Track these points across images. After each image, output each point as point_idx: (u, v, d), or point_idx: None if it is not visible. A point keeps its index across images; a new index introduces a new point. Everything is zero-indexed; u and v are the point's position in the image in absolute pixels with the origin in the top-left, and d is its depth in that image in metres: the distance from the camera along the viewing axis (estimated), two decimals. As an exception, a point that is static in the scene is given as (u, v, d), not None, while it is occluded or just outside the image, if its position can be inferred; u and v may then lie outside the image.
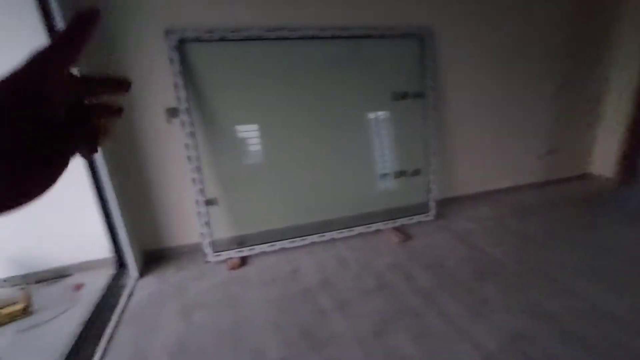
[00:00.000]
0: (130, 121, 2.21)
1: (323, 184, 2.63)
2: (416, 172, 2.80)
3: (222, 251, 2.41)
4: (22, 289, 2.03)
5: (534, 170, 3.41)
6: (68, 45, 0.24)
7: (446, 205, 3.09)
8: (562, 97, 3.22)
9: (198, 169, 2.27)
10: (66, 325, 1.83)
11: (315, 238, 2.56)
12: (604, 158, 3.51)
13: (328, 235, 2.59)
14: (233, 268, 2.32)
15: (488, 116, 3.06)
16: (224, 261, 2.39)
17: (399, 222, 2.75)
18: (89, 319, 1.86)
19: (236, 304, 1.96)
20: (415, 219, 2.79)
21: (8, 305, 1.94)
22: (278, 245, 2.50)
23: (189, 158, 2.24)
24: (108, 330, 1.80)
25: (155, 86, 2.19)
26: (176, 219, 2.46)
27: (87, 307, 1.96)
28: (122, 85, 0.30)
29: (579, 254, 2.22)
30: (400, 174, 2.80)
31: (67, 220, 2.25)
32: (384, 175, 2.78)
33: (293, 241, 2.52)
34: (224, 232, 2.48)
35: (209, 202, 2.38)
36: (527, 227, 2.65)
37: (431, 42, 2.61)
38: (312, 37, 2.36)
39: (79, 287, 2.19)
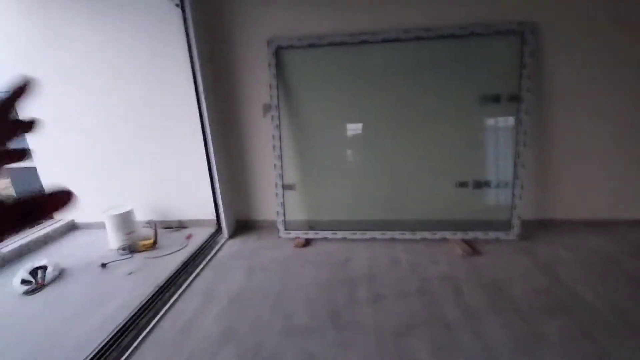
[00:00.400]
0: (237, 112, 2.76)
1: (397, 185, 2.68)
2: (502, 185, 2.54)
3: (293, 230, 2.77)
4: (154, 230, 2.83)
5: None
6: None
7: (540, 227, 2.68)
8: None
9: (280, 157, 2.67)
10: (174, 260, 2.50)
11: (376, 234, 2.65)
12: None
13: (389, 234, 2.63)
14: (297, 246, 2.65)
15: (608, 130, 2.49)
16: (293, 239, 2.74)
17: (470, 235, 2.55)
18: (189, 259, 2.48)
19: (289, 275, 2.28)
20: (492, 235, 2.53)
21: (145, 240, 2.76)
22: (340, 234, 2.70)
23: (273, 147, 2.66)
24: (197, 270, 2.38)
25: (257, 86, 2.67)
26: (261, 197, 2.94)
27: (190, 251, 2.60)
28: (27, 126, 0.30)
29: None
30: (482, 184, 2.59)
31: (190, 187, 2.99)
32: (463, 184, 2.62)
33: (354, 233, 2.68)
34: (298, 214, 2.83)
35: (287, 187, 2.76)
36: None
37: (533, 39, 2.30)
38: (395, 40, 2.42)
39: (189, 236, 2.91)
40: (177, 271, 2.33)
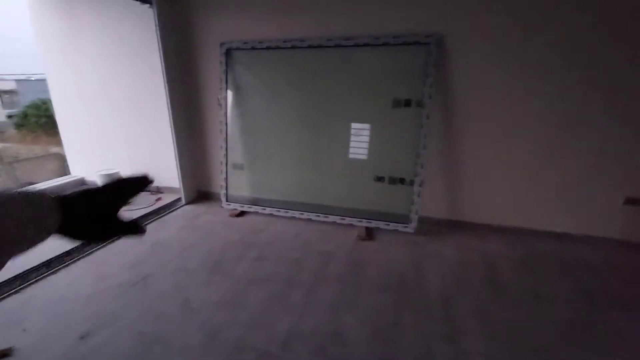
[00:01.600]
0: (198, 100, 3.34)
1: (322, 173, 3.04)
2: (407, 182, 2.77)
3: (233, 202, 3.29)
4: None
5: (605, 219, 2.58)
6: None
7: (450, 227, 2.87)
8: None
9: (225, 140, 3.19)
10: (137, 214, 3.17)
11: (296, 214, 3.06)
12: None
13: (306, 215, 3.03)
14: (232, 215, 3.17)
15: (508, 142, 2.60)
16: (232, 210, 3.26)
17: (374, 224, 2.85)
18: (145, 214, 3.14)
19: (209, 234, 2.81)
20: (392, 226, 2.80)
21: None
22: (268, 210, 3.16)
23: (220, 131, 3.19)
24: (145, 223, 3.02)
25: (214, 80, 3.21)
26: (214, 173, 3.50)
27: (151, 210, 3.26)
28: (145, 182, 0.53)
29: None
30: (397, 180, 2.84)
31: (164, 160, 3.63)
32: (380, 179, 2.90)
33: (279, 211, 3.12)
34: (244, 190, 3.34)
35: (237, 167, 3.28)
36: (524, 283, 2.18)
37: (437, 51, 2.51)
38: (319, 46, 2.78)
39: (158, 199, 3.59)
40: (141, 218, 2.99)
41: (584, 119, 2.43)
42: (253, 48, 2.97)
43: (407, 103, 2.70)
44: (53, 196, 0.44)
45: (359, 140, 2.87)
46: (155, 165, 3.72)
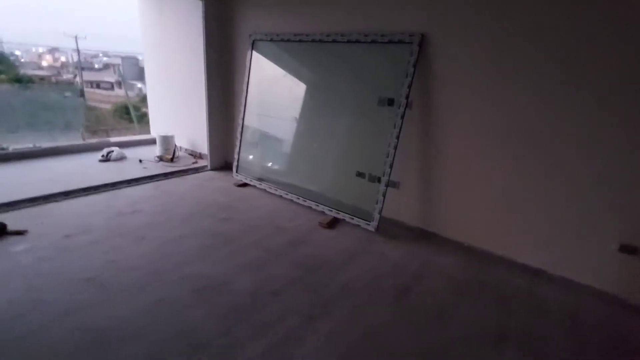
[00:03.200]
0: (231, 81, 3.90)
1: (314, 160, 3.24)
2: (390, 183, 2.76)
3: (241, 174, 3.77)
4: (174, 150, 4.34)
5: (593, 264, 2.13)
6: None
7: (419, 235, 2.76)
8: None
9: (242, 119, 3.67)
10: (172, 169, 3.94)
11: (282, 193, 3.35)
12: None
13: (290, 196, 3.29)
14: (235, 185, 3.65)
15: (505, 153, 2.34)
16: (237, 180, 3.74)
17: (341, 216, 2.93)
18: (176, 172, 3.88)
19: (208, 194, 3.34)
20: (356, 221, 2.84)
21: (168, 155, 4.33)
22: (264, 186, 3.52)
23: (239, 112, 3.68)
24: (173, 178, 3.74)
25: (244, 66, 3.71)
26: (232, 148, 4.02)
27: (184, 169, 4.00)
28: None
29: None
30: (375, 178, 2.86)
31: (202, 131, 4.35)
32: (361, 174, 2.95)
33: (270, 187, 3.46)
34: (253, 165, 3.78)
35: (253, 144, 3.74)
36: (435, 302, 2.07)
37: (417, 50, 2.43)
38: (319, 41, 2.98)
39: (194, 162, 4.33)
40: (164, 173, 3.76)
41: (581, 138, 2.05)
42: (271, 40, 3.34)
43: (390, 102, 2.68)
44: None
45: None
46: (197, 135, 4.47)
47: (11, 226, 2.34)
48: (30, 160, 3.91)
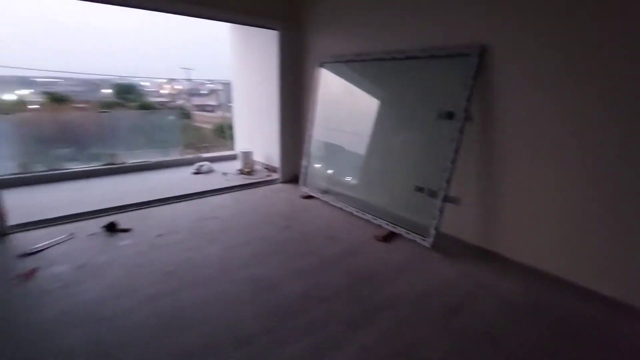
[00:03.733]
0: (300, 101, 4.22)
1: (376, 174, 3.31)
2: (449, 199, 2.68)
3: (308, 187, 4.01)
4: (252, 165, 4.83)
5: None
6: None
7: (479, 254, 2.58)
8: None
9: (310, 137, 3.94)
10: (248, 181, 4.41)
11: (343, 206, 3.46)
12: None
13: (350, 209, 3.38)
14: (301, 197, 3.91)
15: (560, 166, 2.10)
16: (303, 193, 3.99)
17: (398, 230, 2.90)
18: (252, 183, 4.33)
19: (275, 205, 3.66)
20: (412, 236, 2.78)
21: (247, 168, 4.85)
22: (326, 198, 3.69)
23: (305, 130, 3.96)
24: (248, 189, 4.19)
25: (312, 87, 4.00)
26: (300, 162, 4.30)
27: (259, 181, 4.44)
28: None
29: None
30: (434, 193, 2.80)
31: (276, 147, 4.76)
32: (420, 189, 2.91)
33: (333, 199, 3.60)
34: (319, 179, 4.01)
35: (319, 159, 3.98)
36: (486, 326, 1.91)
37: (477, 62, 2.34)
38: (380, 59, 3.08)
39: (268, 175, 4.76)
40: (240, 185, 4.24)
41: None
42: (336, 61, 3.55)
43: (450, 116, 2.61)
44: None
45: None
46: (271, 151, 4.91)
47: (120, 225, 2.95)
48: (141, 172, 4.82)
